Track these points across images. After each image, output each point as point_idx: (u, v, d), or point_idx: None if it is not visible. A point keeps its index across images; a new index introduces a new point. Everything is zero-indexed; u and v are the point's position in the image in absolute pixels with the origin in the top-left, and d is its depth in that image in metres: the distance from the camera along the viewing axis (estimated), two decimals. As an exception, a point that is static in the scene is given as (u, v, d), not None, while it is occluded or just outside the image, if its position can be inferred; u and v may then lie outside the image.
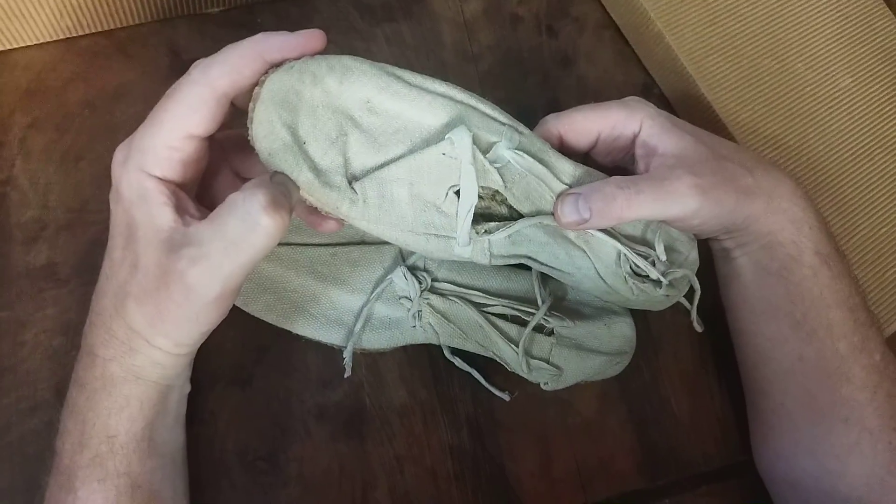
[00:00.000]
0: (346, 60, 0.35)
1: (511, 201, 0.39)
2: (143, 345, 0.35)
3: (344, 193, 0.36)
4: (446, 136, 0.36)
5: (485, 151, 0.37)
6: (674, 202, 0.39)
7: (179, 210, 0.34)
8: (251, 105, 0.34)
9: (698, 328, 0.45)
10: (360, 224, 0.37)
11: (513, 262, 0.41)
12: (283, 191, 0.33)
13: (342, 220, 0.37)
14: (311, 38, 0.35)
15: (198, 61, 0.34)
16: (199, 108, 0.34)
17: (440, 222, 0.38)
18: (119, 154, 0.35)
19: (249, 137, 0.35)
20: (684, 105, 0.56)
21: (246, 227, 0.32)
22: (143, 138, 0.34)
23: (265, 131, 0.34)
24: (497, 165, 0.38)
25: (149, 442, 0.37)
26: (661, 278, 0.41)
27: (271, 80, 0.34)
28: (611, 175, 0.41)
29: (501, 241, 0.39)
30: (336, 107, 0.36)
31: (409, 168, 0.36)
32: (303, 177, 0.35)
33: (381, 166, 0.36)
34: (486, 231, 0.39)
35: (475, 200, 0.37)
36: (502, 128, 0.38)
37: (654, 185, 0.39)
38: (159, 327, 0.34)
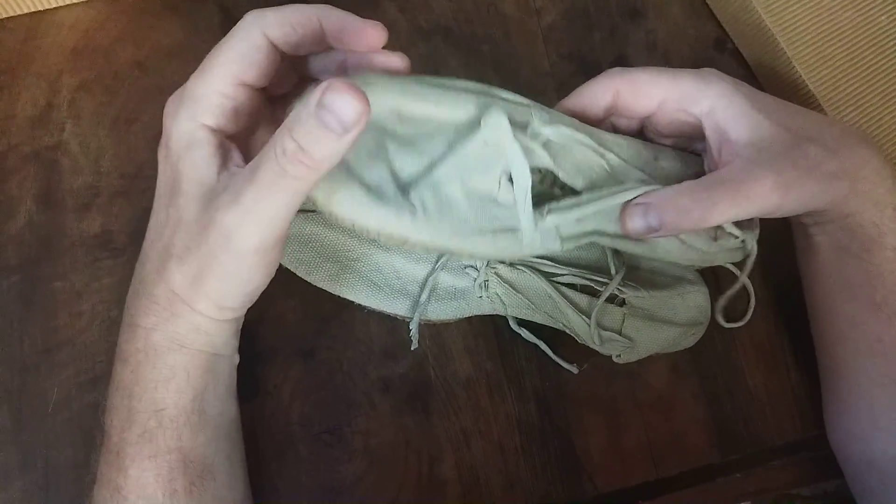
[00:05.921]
0: (366, 77, 0.34)
1: (563, 178, 0.37)
2: (185, 310, 0.33)
3: (402, 206, 0.33)
4: (481, 123, 0.34)
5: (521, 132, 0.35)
6: (752, 204, 0.36)
7: (226, 162, 0.32)
8: None
9: (721, 321, 0.45)
10: (421, 241, 0.34)
11: (584, 241, 0.38)
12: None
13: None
14: (374, 28, 0.34)
15: (250, 11, 0.33)
16: (251, 53, 0.32)
17: (502, 213, 0.35)
18: (170, 105, 0.33)
19: None
20: (760, 62, 0.53)
21: (277, 170, 0.29)
22: (195, 86, 0.33)
23: None
24: (539, 141, 0.36)
25: (199, 415, 0.35)
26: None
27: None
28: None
29: (569, 221, 0.37)
30: (369, 123, 0.34)
31: (456, 164, 0.34)
32: (357, 193, 0.32)
33: (429, 169, 0.34)
34: (549, 211, 0.36)
35: (529, 178, 0.35)
36: (528, 109, 0.36)
37: (732, 192, 0.36)
38: (201, 287, 0.32)
